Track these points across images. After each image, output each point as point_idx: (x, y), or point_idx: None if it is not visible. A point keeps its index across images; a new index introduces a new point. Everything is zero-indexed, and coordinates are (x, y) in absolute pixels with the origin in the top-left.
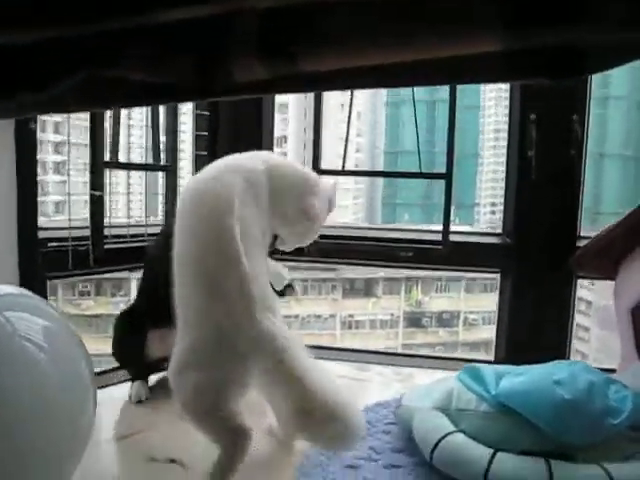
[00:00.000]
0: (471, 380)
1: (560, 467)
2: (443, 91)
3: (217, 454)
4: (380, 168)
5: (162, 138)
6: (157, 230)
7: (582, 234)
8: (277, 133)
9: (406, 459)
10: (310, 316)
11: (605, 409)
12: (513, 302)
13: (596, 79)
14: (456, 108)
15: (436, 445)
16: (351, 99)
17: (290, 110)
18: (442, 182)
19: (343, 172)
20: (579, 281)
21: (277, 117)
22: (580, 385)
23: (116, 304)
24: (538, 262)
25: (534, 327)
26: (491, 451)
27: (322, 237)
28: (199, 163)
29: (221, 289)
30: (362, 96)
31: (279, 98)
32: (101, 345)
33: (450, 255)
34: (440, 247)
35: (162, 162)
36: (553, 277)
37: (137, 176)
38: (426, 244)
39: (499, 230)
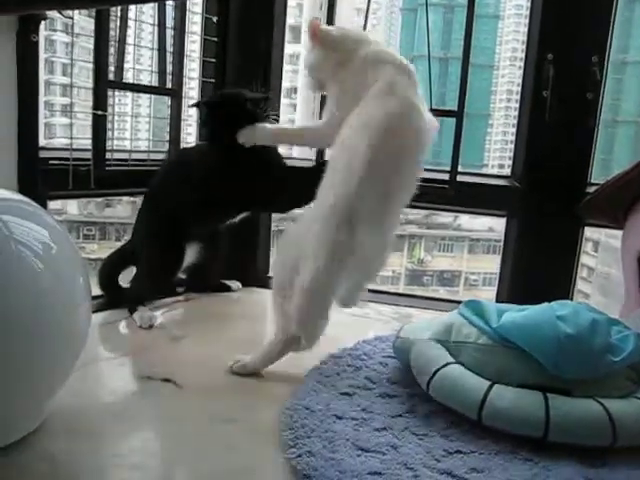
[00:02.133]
0: (472, 314)
1: (557, 400)
2: (457, 47)
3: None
4: None
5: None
6: (161, 156)
7: (593, 181)
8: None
9: (401, 389)
10: None
11: (606, 346)
12: (518, 247)
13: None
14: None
15: (434, 375)
16: None
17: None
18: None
19: None
20: (582, 247)
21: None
22: (583, 321)
23: None
24: (546, 207)
25: (538, 273)
26: (488, 383)
27: None
28: (206, 89)
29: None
30: None
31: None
32: None
33: (457, 196)
34: (447, 187)
35: (168, 86)
36: (560, 223)
37: (145, 105)
38: (433, 183)
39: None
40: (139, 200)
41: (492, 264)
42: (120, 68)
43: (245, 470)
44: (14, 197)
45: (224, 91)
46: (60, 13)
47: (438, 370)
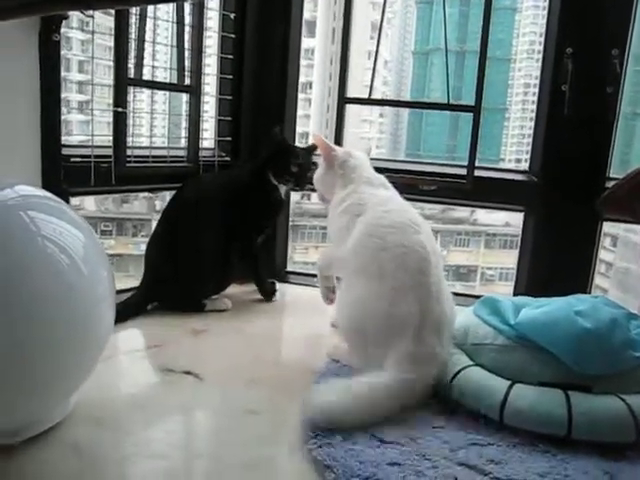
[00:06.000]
0: (488, 313)
1: (578, 398)
2: (473, 41)
3: None
4: (405, 124)
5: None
6: (181, 152)
7: (611, 176)
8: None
9: None
10: None
11: (626, 341)
12: (535, 242)
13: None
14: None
15: (453, 377)
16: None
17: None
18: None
19: (369, 101)
20: (600, 242)
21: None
22: (602, 316)
23: (137, 244)
24: (563, 202)
25: (555, 268)
26: (509, 383)
27: None
28: (223, 86)
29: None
30: (389, 44)
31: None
32: (121, 284)
33: (474, 191)
34: (464, 182)
35: (187, 83)
36: (578, 218)
37: (161, 102)
38: (451, 178)
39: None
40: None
41: (509, 259)
42: (140, 65)
43: (266, 460)
44: (39, 193)
45: (297, 147)
46: (82, 12)
47: (457, 373)
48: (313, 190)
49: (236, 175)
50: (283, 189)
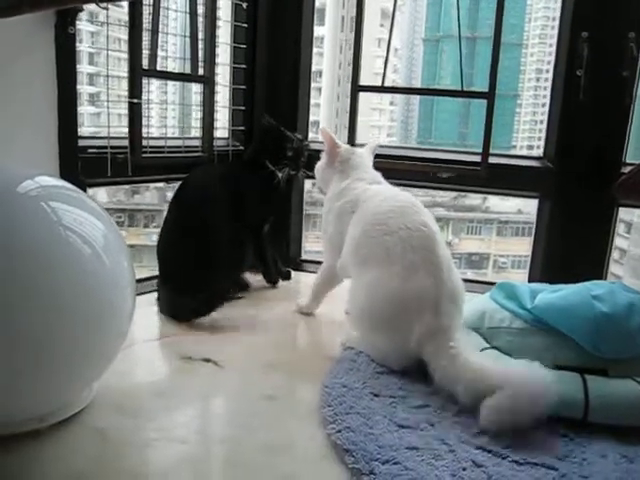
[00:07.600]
0: (504, 298)
1: (595, 381)
2: (484, 27)
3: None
4: (415, 112)
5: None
6: (195, 142)
7: (628, 161)
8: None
9: None
10: None
11: None
12: (550, 228)
13: None
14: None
15: None
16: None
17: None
18: None
19: (383, 89)
20: (615, 229)
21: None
22: (619, 301)
23: (149, 235)
24: (579, 188)
25: (570, 255)
26: None
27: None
28: (236, 75)
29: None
30: (399, 31)
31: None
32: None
33: (488, 177)
34: (479, 169)
35: (200, 73)
36: (594, 204)
37: (171, 92)
38: (464, 165)
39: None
40: (166, 187)
41: (521, 247)
42: (154, 56)
43: (286, 445)
44: (59, 184)
45: (286, 132)
46: (97, 4)
47: None
48: (308, 177)
49: (234, 165)
50: (280, 175)
